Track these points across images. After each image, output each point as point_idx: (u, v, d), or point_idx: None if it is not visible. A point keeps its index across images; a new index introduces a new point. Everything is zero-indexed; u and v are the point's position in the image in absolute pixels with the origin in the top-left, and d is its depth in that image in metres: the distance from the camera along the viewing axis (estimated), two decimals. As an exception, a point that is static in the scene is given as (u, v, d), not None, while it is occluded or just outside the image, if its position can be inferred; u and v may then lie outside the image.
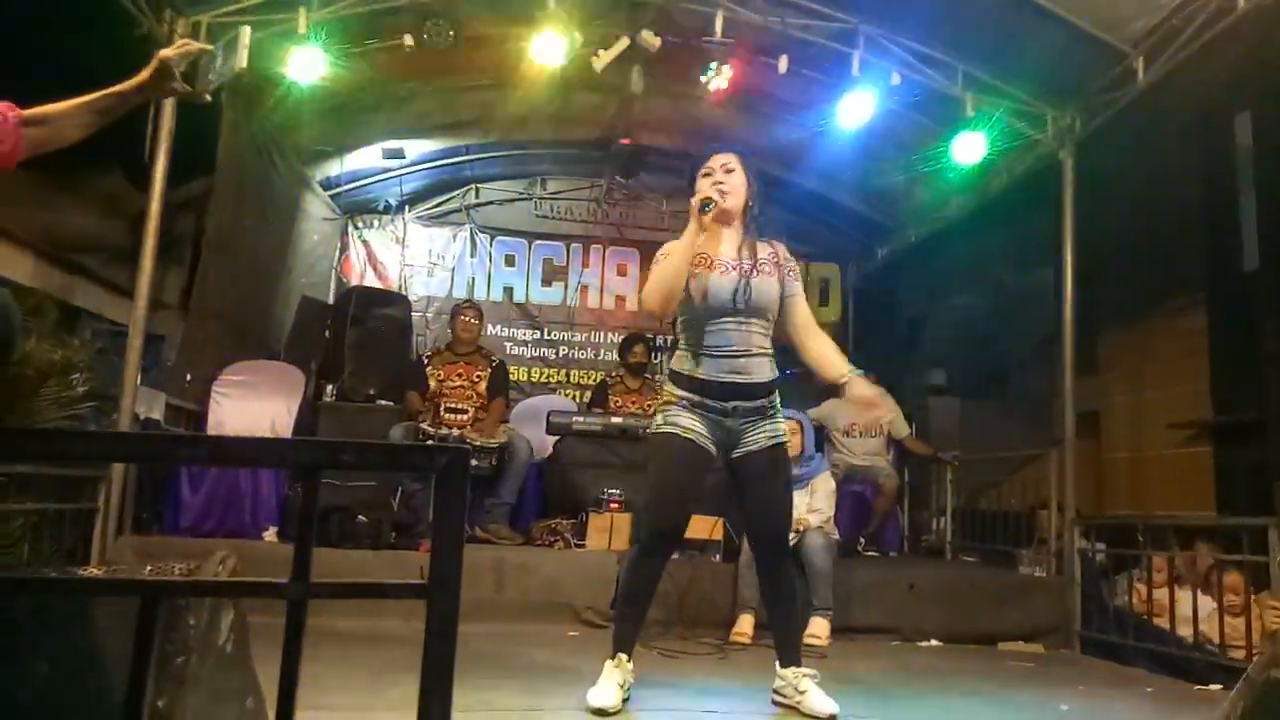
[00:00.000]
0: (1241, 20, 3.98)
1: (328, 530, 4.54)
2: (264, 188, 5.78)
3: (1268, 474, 7.22)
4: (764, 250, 2.84)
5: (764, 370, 2.76)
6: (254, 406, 5.26)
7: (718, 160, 2.85)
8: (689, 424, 2.73)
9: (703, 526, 4.74)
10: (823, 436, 6.13)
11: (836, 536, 4.80)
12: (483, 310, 6.05)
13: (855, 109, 5.12)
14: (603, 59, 5.09)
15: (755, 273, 2.75)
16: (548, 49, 4.95)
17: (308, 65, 4.75)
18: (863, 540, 6.03)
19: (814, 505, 4.70)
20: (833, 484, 4.86)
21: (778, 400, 2.82)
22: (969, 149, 5.32)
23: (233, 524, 4.80)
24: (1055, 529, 4.99)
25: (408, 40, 4.72)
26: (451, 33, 4.72)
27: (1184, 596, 4.20)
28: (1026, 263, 7.28)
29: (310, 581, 1.08)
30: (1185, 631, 4.09)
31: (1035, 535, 5.34)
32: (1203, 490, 6.85)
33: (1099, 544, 5.03)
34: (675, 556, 5.01)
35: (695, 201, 2.72)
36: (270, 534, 4.84)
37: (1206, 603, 4.12)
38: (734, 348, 2.72)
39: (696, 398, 2.73)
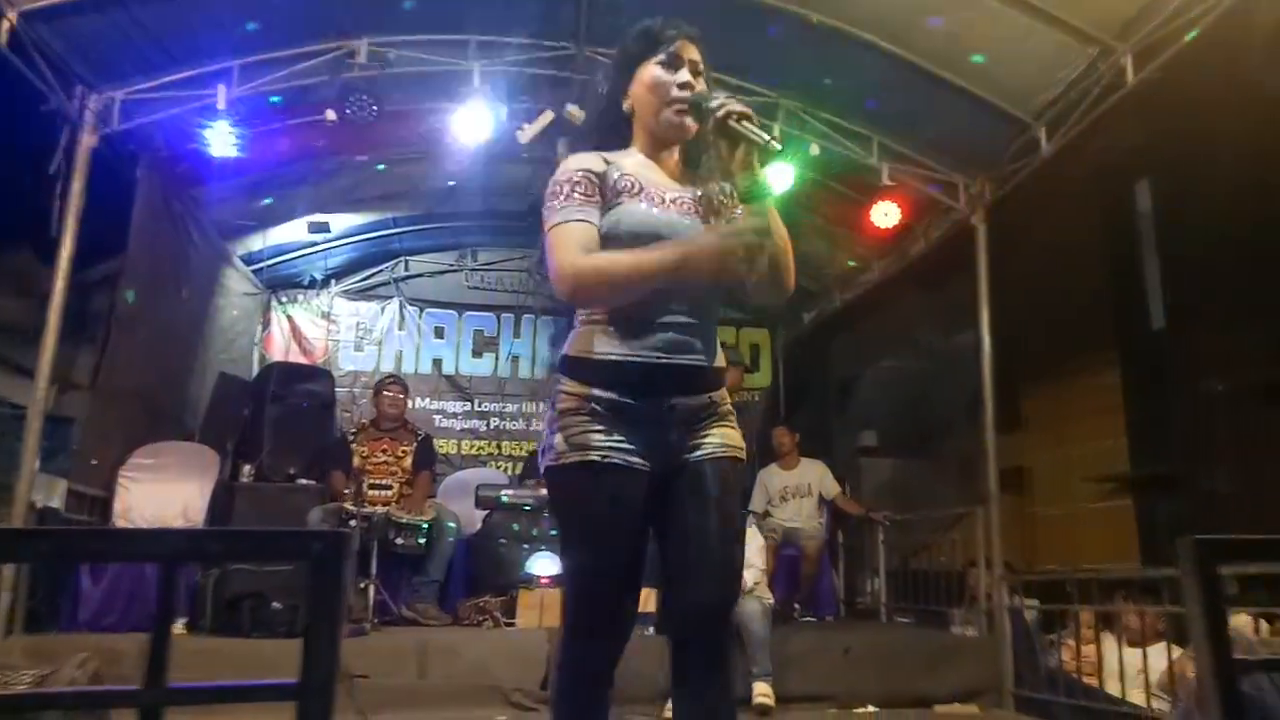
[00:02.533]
0: (1132, 93, 4.21)
1: (239, 618, 4.32)
2: (180, 263, 5.64)
3: (1187, 526, 7.36)
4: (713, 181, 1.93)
5: (713, 349, 1.84)
6: (164, 490, 5.04)
7: (688, 51, 1.87)
8: (608, 440, 1.72)
9: (635, 599, 4.63)
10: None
11: (771, 600, 4.75)
12: (407, 384, 5.94)
13: (776, 179, 5.25)
14: (528, 132, 5.14)
15: (718, 213, 1.84)
16: (474, 123, 4.99)
17: (227, 140, 4.70)
18: (797, 605, 5.98)
19: (747, 560, 4.64)
20: (761, 539, 4.85)
21: (727, 398, 1.89)
22: (886, 216, 5.49)
23: (137, 617, 4.52)
24: (985, 587, 5.01)
25: (330, 115, 4.70)
26: (375, 108, 4.71)
27: (1112, 650, 4.23)
28: (952, 324, 7.49)
29: (168, 687, 1.00)
30: (1114, 686, 4.11)
31: (966, 593, 5.36)
32: (1128, 542, 7.00)
33: (1031, 600, 5.06)
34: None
35: (733, 111, 1.70)
36: (179, 626, 4.57)
37: (1134, 656, 4.15)
38: (676, 314, 1.76)
39: (613, 396, 1.74)
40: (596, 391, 1.74)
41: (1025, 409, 9.42)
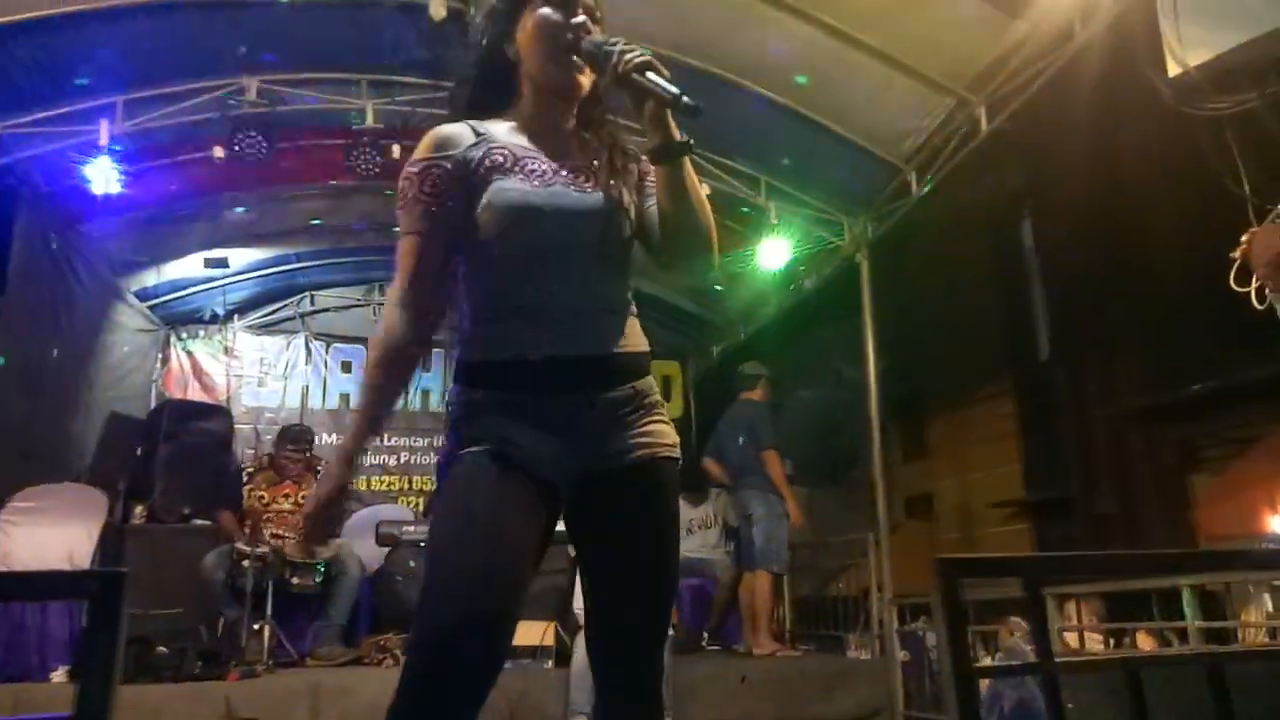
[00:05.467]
0: (990, 140, 4.49)
1: (123, 664, 4.20)
2: (60, 302, 5.51)
3: (1077, 546, 7.74)
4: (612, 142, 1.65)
5: (626, 334, 1.57)
6: (46, 534, 4.88)
7: None
8: (510, 435, 1.47)
9: (530, 633, 4.66)
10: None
11: (672, 632, 4.82)
12: (309, 438, 5.61)
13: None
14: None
15: (616, 186, 1.58)
16: (368, 160, 5.02)
17: (109, 177, 4.64)
18: (706, 634, 6.07)
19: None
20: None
21: (654, 388, 1.61)
22: (775, 254, 5.69)
23: (15, 666, 4.38)
24: (876, 612, 5.18)
25: (218, 152, 4.69)
26: (265, 145, 4.71)
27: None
28: (858, 355, 7.75)
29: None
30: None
31: (862, 618, 5.52)
32: (1022, 565, 7.25)
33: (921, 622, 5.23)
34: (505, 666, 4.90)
35: (633, 62, 1.46)
36: (60, 674, 4.43)
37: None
38: (572, 302, 1.52)
39: (516, 397, 1.50)
40: (498, 394, 1.50)
41: (930, 437, 9.76)
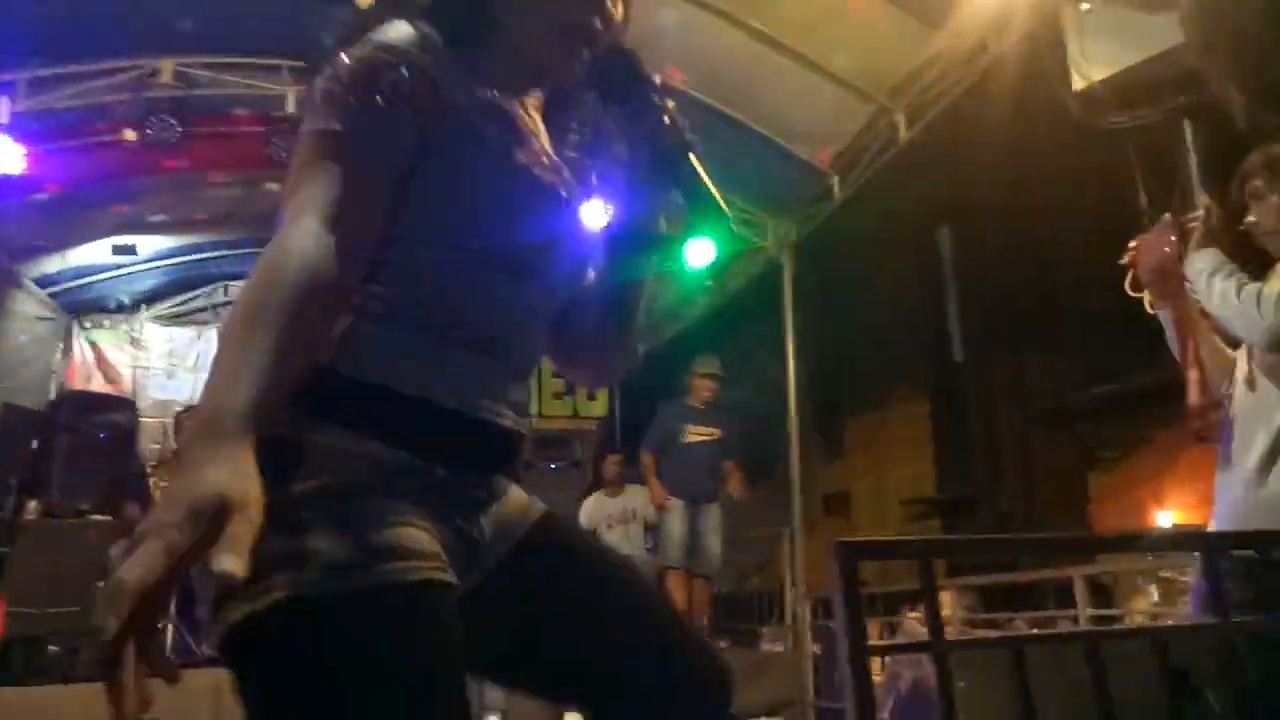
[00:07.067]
0: (912, 148, 4.62)
1: (11, 663, 4.02)
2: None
3: (983, 543, 8.03)
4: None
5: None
6: (-74, 529, 4.63)
7: None
8: (426, 538, 0.91)
9: None
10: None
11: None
12: None
13: (590, 216, 5.40)
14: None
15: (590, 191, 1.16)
16: (289, 148, 4.90)
17: (9, 156, 4.42)
18: (624, 632, 6.09)
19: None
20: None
21: None
22: (700, 253, 5.74)
23: None
24: (790, 606, 5.29)
25: (128, 135, 4.52)
26: (178, 129, 4.56)
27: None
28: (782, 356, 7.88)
29: None
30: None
31: (776, 613, 5.64)
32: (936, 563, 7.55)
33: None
34: None
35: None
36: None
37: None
38: (526, 349, 1.08)
39: (412, 459, 0.93)
40: (387, 450, 0.91)
41: (849, 437, 10.00)
